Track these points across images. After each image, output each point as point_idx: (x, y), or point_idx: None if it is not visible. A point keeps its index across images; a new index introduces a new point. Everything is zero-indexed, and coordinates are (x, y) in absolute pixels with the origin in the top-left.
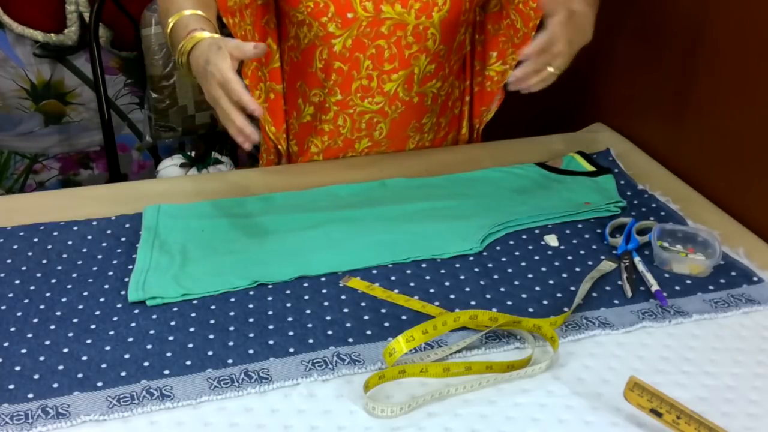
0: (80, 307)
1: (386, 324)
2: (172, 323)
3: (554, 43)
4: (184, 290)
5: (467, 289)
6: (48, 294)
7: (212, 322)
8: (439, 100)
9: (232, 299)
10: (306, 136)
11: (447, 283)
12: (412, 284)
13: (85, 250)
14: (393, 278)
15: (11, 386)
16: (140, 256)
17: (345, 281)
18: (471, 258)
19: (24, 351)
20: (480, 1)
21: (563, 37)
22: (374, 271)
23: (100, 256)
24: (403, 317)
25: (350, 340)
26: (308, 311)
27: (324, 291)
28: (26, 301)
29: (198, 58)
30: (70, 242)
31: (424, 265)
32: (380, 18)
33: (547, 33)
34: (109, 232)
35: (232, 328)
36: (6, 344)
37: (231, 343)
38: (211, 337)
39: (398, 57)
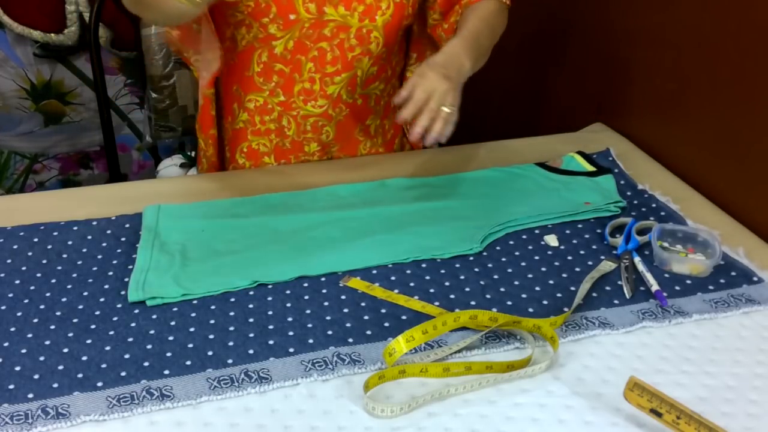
0: (80, 307)
1: (386, 324)
2: (172, 323)
3: (417, 88)
4: (184, 290)
5: (467, 289)
6: (48, 294)
7: (212, 322)
8: (382, 102)
9: (232, 299)
10: (239, 142)
11: (447, 283)
12: (412, 284)
13: (85, 250)
14: (393, 278)
15: (11, 386)
16: (140, 256)
17: (345, 281)
18: (471, 258)
19: (24, 351)
20: (419, 4)
21: (424, 81)
22: (374, 271)
23: (100, 256)
24: (403, 317)
25: (350, 340)
26: (308, 311)
27: (324, 291)
28: (26, 301)
29: None
30: (70, 242)
31: (424, 265)
32: (323, 20)
33: (407, 85)
34: (109, 232)
35: (232, 328)
36: (6, 344)
37: (231, 343)
38: (211, 337)
39: (341, 59)
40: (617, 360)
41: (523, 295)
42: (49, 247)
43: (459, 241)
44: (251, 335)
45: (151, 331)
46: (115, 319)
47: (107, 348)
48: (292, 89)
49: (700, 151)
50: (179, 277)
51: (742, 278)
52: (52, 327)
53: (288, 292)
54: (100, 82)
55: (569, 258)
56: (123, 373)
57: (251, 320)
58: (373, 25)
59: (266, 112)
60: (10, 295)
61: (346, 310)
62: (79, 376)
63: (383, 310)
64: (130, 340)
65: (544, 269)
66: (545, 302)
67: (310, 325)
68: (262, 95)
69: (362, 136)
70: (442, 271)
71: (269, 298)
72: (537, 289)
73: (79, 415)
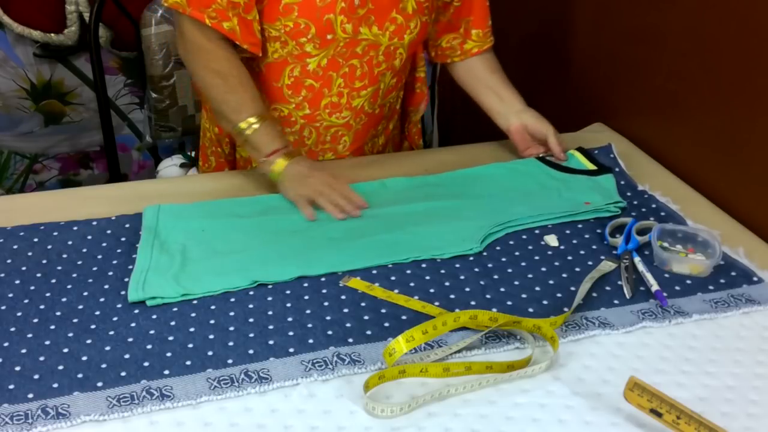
0: (80, 307)
1: (386, 324)
2: (172, 323)
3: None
4: (184, 290)
5: (467, 289)
6: (48, 294)
7: (212, 322)
8: (392, 107)
9: (232, 299)
10: None
11: (447, 283)
12: (412, 284)
13: (85, 250)
14: (393, 278)
15: (11, 386)
16: (140, 256)
17: (345, 281)
18: (471, 258)
19: (24, 351)
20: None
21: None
22: (374, 271)
23: (100, 256)
24: (403, 317)
25: (350, 340)
26: (308, 311)
27: (324, 291)
28: (26, 301)
29: (294, 170)
30: (70, 242)
31: (424, 265)
32: (357, 39)
33: (556, 146)
34: (109, 232)
35: (232, 328)
36: (6, 344)
37: (231, 343)
38: (211, 337)
39: (369, 75)
40: (617, 360)
41: (523, 295)
42: (49, 247)
43: (459, 241)
44: (251, 335)
45: (151, 331)
46: (115, 319)
47: (107, 348)
48: (319, 103)
49: (701, 152)
50: (179, 277)
51: (742, 278)
52: (52, 327)
53: (288, 292)
54: (100, 82)
55: (569, 258)
56: (123, 373)
57: (251, 320)
58: (400, 43)
59: (288, 124)
60: (10, 295)
61: (346, 310)
62: (79, 376)
63: (383, 310)
64: (130, 340)
65: (544, 269)
66: (545, 302)
67: (310, 325)
68: (287, 107)
69: (371, 139)
70: (442, 271)
71: (269, 298)
72: (537, 289)
73: (79, 415)
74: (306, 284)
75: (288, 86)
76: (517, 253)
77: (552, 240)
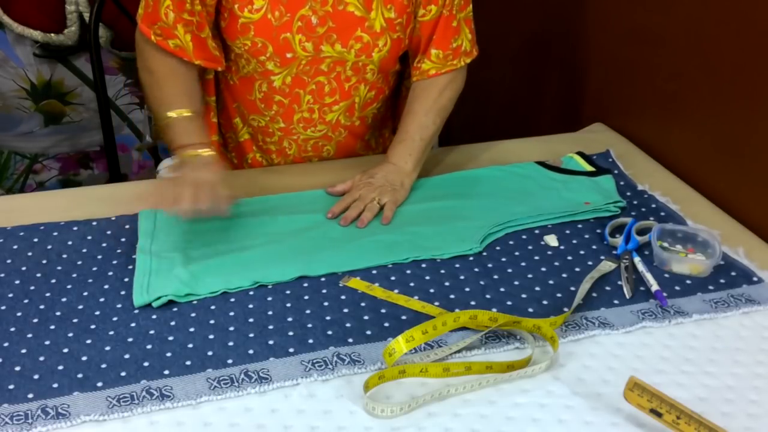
0: (80, 307)
1: (386, 324)
2: (172, 323)
3: (354, 192)
4: (188, 289)
5: (467, 289)
6: (48, 294)
7: (212, 322)
8: (379, 116)
9: (232, 299)
10: (245, 153)
11: (447, 283)
12: (412, 284)
13: (85, 250)
14: (393, 278)
15: (11, 386)
16: (139, 261)
17: (345, 281)
18: (471, 258)
19: (24, 351)
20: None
21: (360, 186)
22: (374, 271)
23: (100, 257)
24: (403, 317)
25: (350, 340)
26: (308, 311)
27: (324, 291)
28: (26, 301)
29: (186, 166)
30: (70, 242)
31: (424, 265)
32: (320, 57)
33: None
34: (109, 232)
35: (232, 328)
36: (6, 344)
37: (231, 343)
38: (211, 337)
39: (339, 90)
40: (617, 360)
41: (523, 295)
42: (49, 247)
43: (459, 241)
44: (251, 335)
45: (151, 331)
46: (115, 319)
47: (107, 348)
48: (291, 118)
49: (700, 151)
50: (182, 277)
51: (742, 278)
52: (52, 327)
53: (288, 292)
54: (100, 82)
55: (569, 258)
56: (123, 373)
57: (251, 320)
58: (369, 60)
59: (268, 135)
60: (10, 295)
61: (346, 310)
62: (79, 376)
63: (383, 310)
64: (130, 340)
65: (544, 269)
66: (545, 302)
67: (310, 325)
68: (263, 119)
69: (363, 150)
70: (442, 271)
71: (269, 298)
72: (537, 289)
73: (79, 415)
74: (306, 284)
75: (260, 100)
76: (517, 253)
77: (552, 240)
